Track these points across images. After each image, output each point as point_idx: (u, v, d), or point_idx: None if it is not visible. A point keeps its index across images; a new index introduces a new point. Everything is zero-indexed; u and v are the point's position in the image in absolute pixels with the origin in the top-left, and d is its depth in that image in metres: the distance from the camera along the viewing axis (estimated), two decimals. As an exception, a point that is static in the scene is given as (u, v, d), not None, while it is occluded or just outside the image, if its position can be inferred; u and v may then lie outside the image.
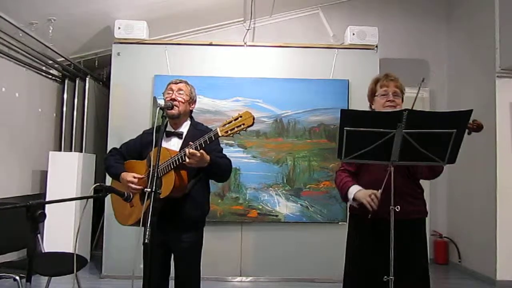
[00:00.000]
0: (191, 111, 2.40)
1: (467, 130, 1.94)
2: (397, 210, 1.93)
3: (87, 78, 5.12)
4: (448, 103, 5.16)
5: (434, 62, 5.25)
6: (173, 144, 2.27)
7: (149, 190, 1.82)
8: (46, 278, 2.85)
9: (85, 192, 4.17)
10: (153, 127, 2.05)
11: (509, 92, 4.20)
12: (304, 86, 4.18)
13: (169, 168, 2.07)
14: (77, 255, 2.30)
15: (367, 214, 2.00)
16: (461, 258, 4.77)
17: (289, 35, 4.94)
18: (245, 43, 4.35)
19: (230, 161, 2.31)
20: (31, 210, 1.46)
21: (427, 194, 4.82)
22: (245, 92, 4.16)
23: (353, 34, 4.24)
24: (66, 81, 5.00)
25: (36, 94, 4.54)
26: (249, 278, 4.12)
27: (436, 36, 5.25)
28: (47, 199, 4.00)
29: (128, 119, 4.09)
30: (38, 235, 2.50)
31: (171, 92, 2.30)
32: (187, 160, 1.99)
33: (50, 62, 4.61)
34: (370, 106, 2.29)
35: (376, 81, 2.26)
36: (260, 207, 4.11)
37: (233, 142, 4.11)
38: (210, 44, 4.31)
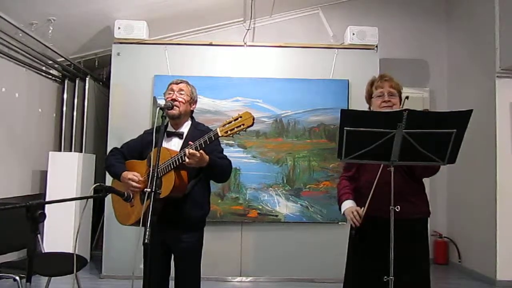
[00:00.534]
0: (192, 112, 2.40)
1: None
2: (397, 210, 1.93)
3: (87, 78, 5.11)
4: (448, 103, 5.16)
5: (434, 62, 5.25)
6: (174, 144, 2.27)
7: (149, 190, 1.82)
8: (46, 278, 2.85)
9: (85, 192, 4.16)
10: (153, 127, 2.05)
11: (509, 92, 4.20)
12: (304, 86, 4.18)
13: (169, 168, 2.07)
14: (77, 255, 2.30)
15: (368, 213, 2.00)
16: (461, 258, 4.77)
17: (289, 35, 4.94)
18: (245, 43, 4.36)
19: (230, 162, 2.31)
20: (31, 210, 1.46)
21: (427, 193, 4.86)
22: (245, 92, 4.16)
23: (353, 34, 4.24)
24: (66, 81, 5.00)
25: (36, 94, 4.54)
26: (249, 278, 4.12)
27: (436, 36, 5.25)
28: (47, 199, 4.00)
29: (128, 119, 4.09)
30: (38, 235, 2.49)
31: (172, 92, 2.30)
32: (187, 160, 1.99)
33: (50, 62, 4.61)
34: (369, 108, 2.30)
35: (371, 83, 2.27)
36: (260, 207, 4.11)
37: (233, 142, 4.11)
38: (210, 44, 4.31)
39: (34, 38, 3.97)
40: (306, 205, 4.13)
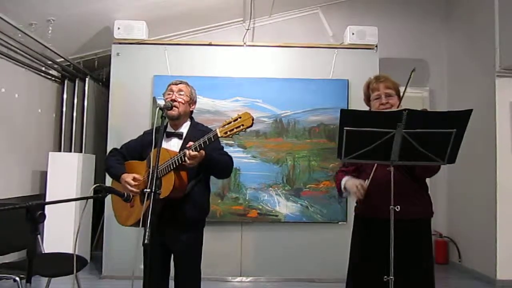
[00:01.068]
0: (191, 112, 2.41)
1: None
2: (397, 210, 1.93)
3: (87, 79, 5.11)
4: (448, 103, 5.16)
5: (434, 61, 5.25)
6: (173, 145, 2.27)
7: (148, 190, 1.82)
8: (46, 278, 2.85)
9: (85, 192, 4.16)
10: (153, 128, 2.06)
11: (509, 91, 4.20)
12: (304, 86, 4.18)
13: (169, 169, 2.07)
14: (77, 255, 2.30)
15: (369, 213, 2.01)
16: (461, 258, 4.77)
17: (289, 35, 4.94)
18: (244, 43, 4.35)
19: (231, 158, 2.31)
20: (31, 211, 1.46)
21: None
22: (244, 92, 4.16)
23: (353, 34, 4.24)
24: (66, 81, 4.99)
25: (35, 95, 4.54)
26: (249, 278, 4.11)
27: (436, 36, 5.25)
28: (47, 200, 3.99)
29: (128, 119, 4.09)
30: (38, 236, 2.50)
31: (172, 93, 2.31)
32: (188, 162, 2.00)
33: (50, 62, 4.61)
34: (370, 109, 2.29)
35: (367, 86, 2.26)
36: (260, 207, 4.11)
37: (233, 142, 4.11)
38: (210, 44, 4.31)
39: (34, 39, 3.97)
40: (306, 205, 4.13)
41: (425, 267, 2.13)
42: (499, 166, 4.14)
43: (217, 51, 4.28)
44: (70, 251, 3.23)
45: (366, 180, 2.05)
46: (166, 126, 2.33)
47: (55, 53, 4.39)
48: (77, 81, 5.09)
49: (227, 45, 4.34)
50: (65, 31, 4.32)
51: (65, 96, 4.99)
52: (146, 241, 1.71)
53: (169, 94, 2.32)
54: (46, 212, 1.49)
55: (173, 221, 2.20)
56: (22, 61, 4.19)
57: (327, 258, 4.00)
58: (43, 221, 1.47)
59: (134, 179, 2.19)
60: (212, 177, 2.40)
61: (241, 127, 1.93)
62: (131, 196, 1.99)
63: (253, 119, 1.94)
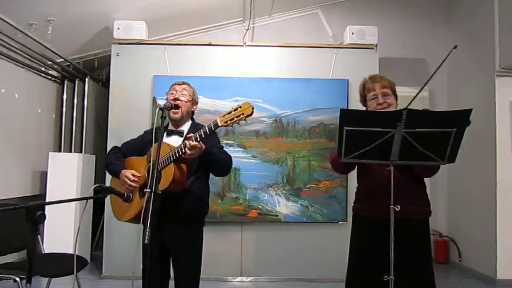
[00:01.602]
0: (193, 113, 2.44)
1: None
2: (397, 209, 1.93)
3: (87, 79, 5.11)
4: (448, 103, 5.16)
5: (434, 61, 5.24)
6: (174, 142, 2.28)
7: (148, 190, 1.82)
8: (47, 279, 2.85)
9: (85, 193, 4.16)
10: (153, 127, 2.06)
11: (509, 91, 4.20)
12: (304, 86, 4.18)
13: (169, 161, 2.08)
14: (77, 255, 2.30)
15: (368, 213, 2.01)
16: (461, 257, 4.77)
17: (289, 35, 4.94)
18: (244, 43, 4.35)
19: (230, 157, 2.32)
20: (31, 211, 1.46)
21: (427, 193, 4.87)
22: (244, 92, 4.15)
23: (353, 33, 4.24)
24: (66, 81, 5.00)
25: (35, 95, 4.54)
26: (250, 278, 4.12)
27: (436, 35, 5.25)
28: (47, 200, 4.00)
29: (128, 119, 4.09)
30: (38, 236, 2.50)
31: (175, 92, 2.34)
32: (188, 152, 2.00)
33: (49, 63, 4.61)
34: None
35: (363, 87, 2.26)
36: (260, 207, 4.11)
37: (233, 142, 4.11)
38: (210, 44, 4.31)
39: (33, 39, 3.97)
40: (306, 205, 4.13)
41: (425, 266, 2.13)
42: (499, 166, 4.14)
43: (217, 51, 4.28)
44: (70, 251, 3.23)
45: None
46: (167, 125, 2.36)
47: (55, 53, 4.39)
48: (77, 81, 5.09)
49: (227, 45, 4.33)
50: (65, 31, 4.32)
51: (65, 96, 4.99)
52: (146, 241, 1.71)
53: (172, 93, 2.34)
54: (46, 212, 1.49)
55: (173, 217, 2.20)
56: (22, 61, 4.19)
57: (327, 258, 4.00)
58: (43, 222, 1.48)
59: (133, 174, 2.20)
60: (212, 177, 2.40)
61: (241, 116, 1.94)
62: (131, 196, 2.00)
63: (253, 108, 1.94)
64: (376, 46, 4.26)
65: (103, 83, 5.54)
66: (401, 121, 1.79)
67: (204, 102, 4.06)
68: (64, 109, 4.99)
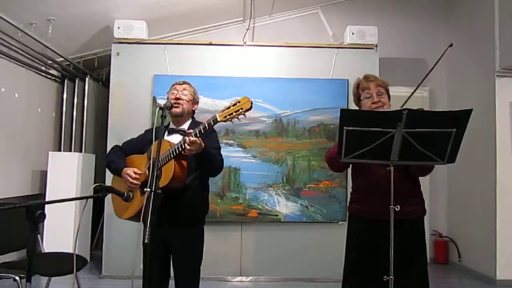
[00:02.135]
0: (194, 112, 2.45)
1: None
2: (397, 209, 1.93)
3: (87, 78, 5.11)
4: (448, 103, 5.16)
5: (434, 61, 5.19)
6: (175, 140, 2.28)
7: (149, 190, 1.82)
8: (46, 278, 2.85)
9: (84, 192, 4.16)
10: (153, 127, 2.07)
11: (509, 91, 4.20)
12: (304, 86, 4.18)
13: (169, 158, 2.09)
14: (77, 255, 2.30)
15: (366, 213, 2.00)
16: (461, 258, 4.77)
17: (289, 35, 4.94)
18: (244, 43, 4.35)
19: (223, 160, 2.33)
20: (30, 210, 1.46)
21: (427, 193, 4.87)
22: (244, 92, 4.05)
23: (353, 33, 4.24)
24: (66, 81, 4.99)
25: (35, 94, 4.53)
26: (249, 278, 4.12)
27: (436, 36, 5.24)
28: (46, 199, 4.00)
29: (128, 119, 4.09)
30: (38, 235, 2.50)
31: (176, 91, 2.35)
32: (188, 147, 2.00)
33: (50, 62, 4.61)
34: None
35: (357, 86, 2.27)
36: (260, 207, 4.11)
37: (233, 142, 4.11)
38: (210, 44, 4.31)
39: (34, 38, 3.97)
40: (306, 205, 4.13)
41: (422, 265, 2.15)
42: (499, 166, 4.14)
43: (217, 51, 4.28)
44: (70, 250, 3.23)
45: None
46: (168, 124, 2.38)
47: (55, 52, 4.39)
48: (77, 81, 5.09)
49: (227, 45, 4.33)
50: (65, 30, 4.32)
51: (65, 95, 4.99)
52: (146, 241, 1.71)
53: (173, 93, 2.36)
54: (46, 211, 1.49)
55: (173, 215, 2.20)
56: (22, 60, 4.19)
57: (327, 257, 3.99)
58: (43, 221, 1.48)
59: (135, 172, 2.21)
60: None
61: (240, 110, 1.94)
62: (131, 195, 2.00)
63: (251, 103, 1.95)
64: (376, 46, 4.26)
65: (103, 82, 5.54)
66: (401, 121, 1.80)
67: (204, 102, 4.05)
68: (64, 109, 4.99)
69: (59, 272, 2.60)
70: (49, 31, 4.13)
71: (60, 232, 3.91)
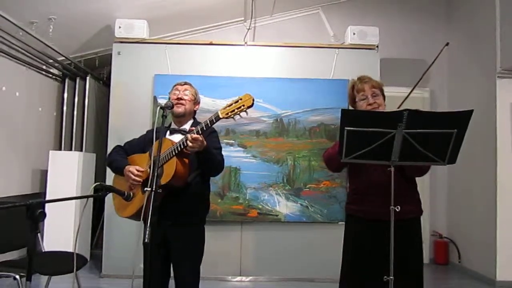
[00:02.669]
0: (195, 112, 2.45)
1: None
2: (397, 210, 1.93)
3: (88, 77, 5.12)
4: (448, 103, 5.16)
5: (435, 62, 5.24)
6: (176, 140, 2.28)
7: (149, 189, 1.82)
8: (46, 277, 2.85)
9: (85, 191, 4.16)
10: (154, 127, 2.07)
11: (510, 92, 4.20)
12: (305, 86, 4.18)
13: (171, 155, 2.09)
14: (77, 254, 2.30)
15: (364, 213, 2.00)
16: (461, 258, 4.77)
17: (290, 35, 4.94)
18: (245, 43, 4.35)
19: (223, 160, 2.33)
20: (31, 209, 1.46)
21: (427, 193, 4.87)
22: (245, 92, 4.10)
23: (354, 34, 4.24)
24: (67, 80, 5.00)
25: (36, 93, 4.54)
26: (249, 278, 4.12)
27: (437, 36, 5.24)
28: (47, 198, 4.00)
29: (129, 118, 4.09)
30: (38, 234, 2.50)
31: (178, 92, 2.36)
32: (190, 144, 2.00)
33: (51, 61, 4.61)
34: None
35: (352, 87, 2.28)
36: (260, 206, 4.11)
37: (233, 141, 4.11)
38: (211, 44, 4.31)
39: (35, 37, 3.97)
40: (306, 205, 4.13)
41: (420, 266, 2.15)
42: (499, 167, 4.14)
43: (218, 51, 4.28)
44: (70, 249, 3.24)
45: None
46: (170, 124, 2.38)
47: (56, 51, 4.39)
48: (77, 80, 5.09)
49: (228, 45, 4.33)
50: (66, 29, 4.32)
51: (65, 94, 4.99)
52: (146, 240, 1.71)
53: (175, 93, 2.37)
54: (46, 210, 1.49)
55: (174, 214, 2.20)
56: (23, 59, 4.19)
57: (327, 257, 3.98)
58: (43, 220, 1.48)
59: (137, 169, 2.21)
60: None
61: (242, 107, 1.96)
62: (131, 195, 2.00)
63: (253, 100, 1.96)
64: (377, 46, 4.26)
65: (104, 81, 5.54)
66: (402, 122, 1.80)
67: (204, 102, 4.04)
68: (64, 108, 4.99)
69: (59, 271, 2.60)
70: (50, 30, 4.13)
71: (60, 231, 3.91)
